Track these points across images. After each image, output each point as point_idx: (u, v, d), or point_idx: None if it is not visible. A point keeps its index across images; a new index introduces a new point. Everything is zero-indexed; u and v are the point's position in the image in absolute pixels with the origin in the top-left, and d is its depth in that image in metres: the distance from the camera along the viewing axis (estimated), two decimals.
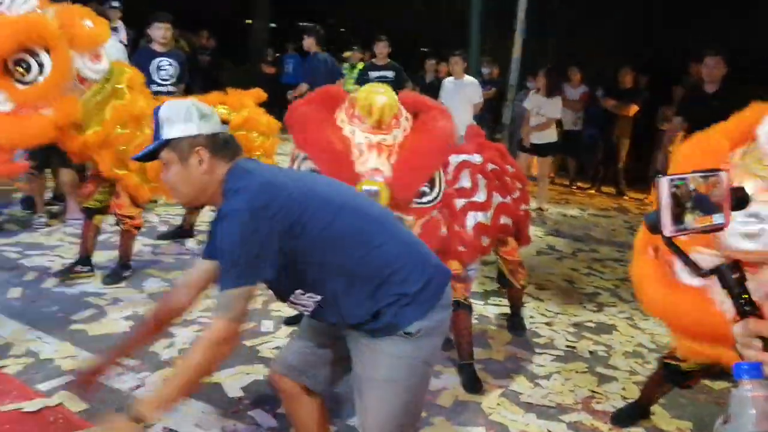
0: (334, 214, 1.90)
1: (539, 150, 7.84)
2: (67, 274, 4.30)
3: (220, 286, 1.81)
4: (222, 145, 1.94)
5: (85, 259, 4.41)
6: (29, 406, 2.83)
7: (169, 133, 1.91)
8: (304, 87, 7.27)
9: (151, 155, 1.97)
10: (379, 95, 2.94)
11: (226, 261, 1.81)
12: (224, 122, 2.02)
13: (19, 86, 3.49)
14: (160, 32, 5.81)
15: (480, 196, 3.38)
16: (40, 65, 3.52)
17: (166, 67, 5.78)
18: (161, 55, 5.80)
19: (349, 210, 1.95)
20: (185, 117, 1.91)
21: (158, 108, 1.96)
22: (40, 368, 3.18)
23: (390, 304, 1.91)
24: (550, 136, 7.82)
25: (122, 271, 4.47)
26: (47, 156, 5.19)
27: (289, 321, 3.80)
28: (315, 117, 2.98)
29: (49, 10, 3.61)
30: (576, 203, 8.97)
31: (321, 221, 1.86)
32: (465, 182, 3.36)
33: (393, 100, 2.96)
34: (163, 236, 5.39)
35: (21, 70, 3.48)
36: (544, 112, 7.67)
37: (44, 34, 3.49)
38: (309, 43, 7.64)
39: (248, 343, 3.62)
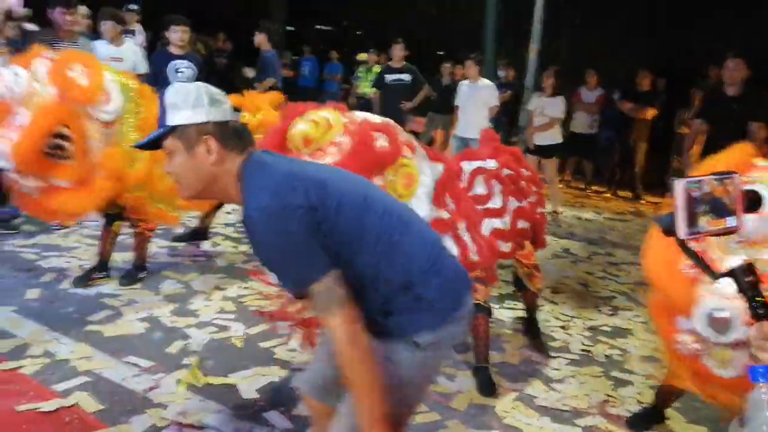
0: (361, 210, 1.77)
1: (543, 151, 7.78)
2: (84, 281, 4.33)
3: (292, 293, 1.74)
4: (233, 133, 1.79)
5: (102, 265, 4.45)
6: (46, 406, 2.85)
7: (174, 119, 1.75)
8: (270, 81, 7.20)
9: (154, 143, 1.82)
10: (297, 124, 2.78)
11: (280, 270, 1.72)
12: (236, 110, 1.94)
13: (65, 162, 3.69)
14: (177, 35, 5.85)
15: (496, 202, 3.37)
16: (68, 138, 3.67)
17: (183, 70, 5.82)
18: (178, 57, 5.84)
19: (375, 205, 1.82)
20: (193, 102, 1.75)
21: (164, 91, 1.81)
22: (57, 369, 3.20)
23: (404, 307, 1.80)
24: (554, 137, 7.77)
25: (138, 272, 4.50)
26: None
27: None
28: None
29: (39, 69, 3.67)
30: (591, 207, 8.92)
31: (349, 217, 1.74)
32: (480, 189, 3.35)
33: (306, 130, 2.75)
34: (178, 238, 5.42)
35: (59, 152, 3.66)
36: (547, 113, 7.63)
37: (57, 117, 3.63)
38: (260, 39, 7.56)
39: (264, 344, 3.63)
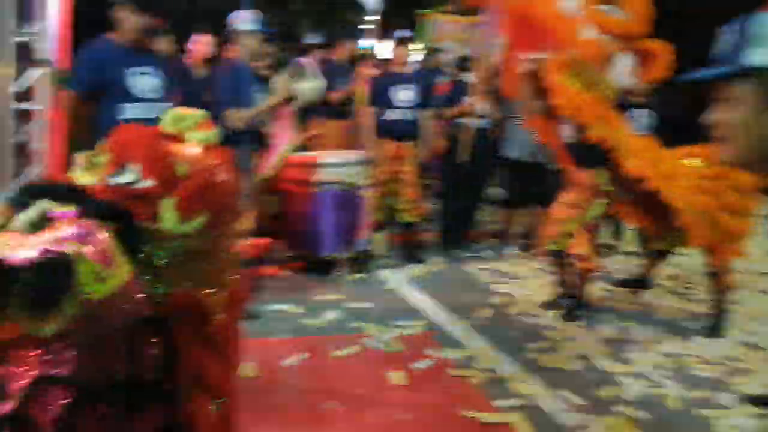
0: None
1: None
2: (554, 308, 4.64)
3: None
4: None
5: (568, 298, 4.66)
6: (484, 417, 3.13)
7: (758, 57, 1.27)
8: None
9: (714, 80, 1.33)
10: None
11: None
12: None
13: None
14: None
15: None
16: None
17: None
18: None
19: None
20: None
21: (747, 19, 1.31)
22: (497, 385, 3.49)
23: None
24: None
25: (576, 310, 4.60)
26: (521, 195, 5.76)
27: (755, 400, 3.39)
28: None
29: None
30: None
31: None
32: None
33: None
34: (620, 283, 5.38)
35: None
36: None
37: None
38: None
39: (703, 412, 3.36)
